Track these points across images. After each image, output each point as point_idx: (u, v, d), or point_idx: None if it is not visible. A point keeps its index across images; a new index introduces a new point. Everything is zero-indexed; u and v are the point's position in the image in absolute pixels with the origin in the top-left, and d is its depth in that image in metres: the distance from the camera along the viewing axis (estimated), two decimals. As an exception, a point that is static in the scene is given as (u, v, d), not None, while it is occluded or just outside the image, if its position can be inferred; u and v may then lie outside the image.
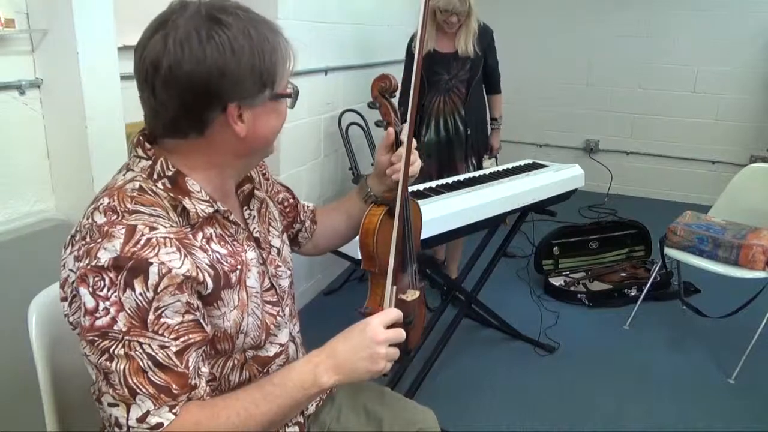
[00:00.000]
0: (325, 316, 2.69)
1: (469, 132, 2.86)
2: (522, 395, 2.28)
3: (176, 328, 0.79)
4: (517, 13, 4.70)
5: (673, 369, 2.48)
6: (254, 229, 0.99)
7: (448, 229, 1.89)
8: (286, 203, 1.19)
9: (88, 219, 0.82)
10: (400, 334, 0.89)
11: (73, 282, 0.80)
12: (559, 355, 2.56)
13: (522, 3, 4.72)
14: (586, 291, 3.06)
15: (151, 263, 0.76)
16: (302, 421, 1.09)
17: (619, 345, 2.66)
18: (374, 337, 0.86)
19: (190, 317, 0.81)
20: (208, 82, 0.80)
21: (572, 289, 3.08)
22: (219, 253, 0.88)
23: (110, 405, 0.78)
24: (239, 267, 0.91)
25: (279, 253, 1.06)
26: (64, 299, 0.84)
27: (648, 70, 4.58)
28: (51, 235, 1.54)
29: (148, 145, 0.88)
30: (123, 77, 1.64)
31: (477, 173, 2.33)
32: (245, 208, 1.00)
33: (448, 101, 2.83)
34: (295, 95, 0.91)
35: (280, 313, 1.01)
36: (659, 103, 4.62)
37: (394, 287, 0.96)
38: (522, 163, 2.47)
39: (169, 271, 0.77)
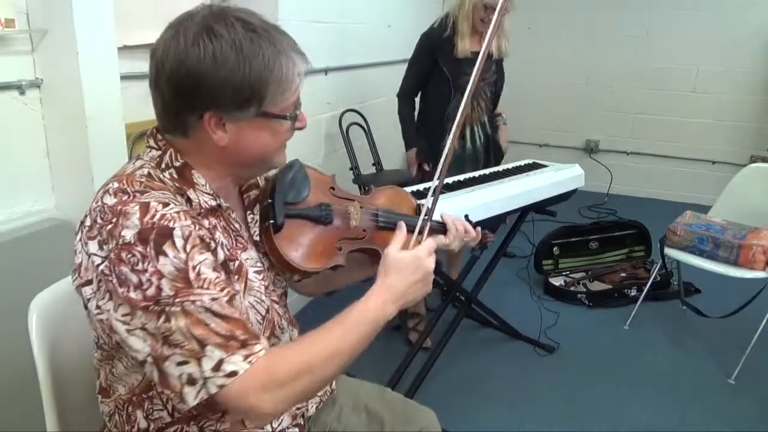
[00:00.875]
0: (325, 316, 2.68)
1: (494, 140, 2.71)
2: (522, 395, 2.28)
3: (216, 281, 0.80)
4: (517, 12, 4.69)
5: (673, 369, 2.48)
6: (255, 232, 1.00)
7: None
8: None
9: (97, 202, 0.84)
10: (432, 244, 1.01)
11: (99, 266, 0.80)
12: (559, 355, 2.56)
13: (521, 3, 4.71)
14: (586, 291, 3.06)
15: (173, 228, 0.78)
16: (302, 422, 1.09)
17: (619, 345, 2.66)
18: (427, 267, 0.97)
19: (222, 273, 0.82)
20: (184, 86, 0.82)
21: (572, 289, 3.08)
22: (222, 241, 0.90)
23: (179, 364, 0.77)
24: (238, 260, 0.92)
25: None
26: (87, 283, 0.83)
27: (648, 70, 4.58)
28: (51, 235, 1.54)
29: (159, 137, 0.90)
30: (123, 77, 1.64)
31: (477, 173, 2.32)
32: (249, 212, 1.01)
33: (476, 107, 2.58)
34: (291, 119, 0.90)
35: (285, 316, 1.02)
36: (659, 103, 4.62)
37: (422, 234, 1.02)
38: (522, 163, 2.46)
39: (191, 232, 0.80)
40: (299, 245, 0.97)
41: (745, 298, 2.52)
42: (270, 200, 0.96)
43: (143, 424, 0.92)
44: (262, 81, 0.83)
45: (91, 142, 1.56)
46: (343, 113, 2.97)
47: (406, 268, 0.95)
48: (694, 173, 4.67)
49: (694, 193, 4.55)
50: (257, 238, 0.99)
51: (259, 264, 0.97)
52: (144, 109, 1.93)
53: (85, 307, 0.86)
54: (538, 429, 2.11)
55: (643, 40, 4.54)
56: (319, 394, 1.13)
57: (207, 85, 0.81)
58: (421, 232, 1.03)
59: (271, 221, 0.95)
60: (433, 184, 1.04)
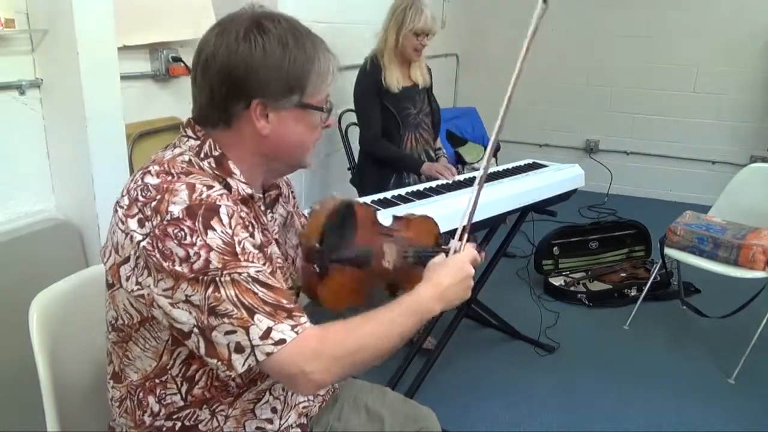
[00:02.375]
0: (325, 316, 2.69)
1: None
2: (522, 395, 2.28)
3: (258, 256, 0.85)
4: (517, 12, 4.69)
5: (673, 369, 2.48)
6: (274, 231, 1.02)
7: (448, 229, 1.88)
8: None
9: (137, 182, 0.86)
10: (471, 251, 1.06)
11: (140, 242, 0.82)
12: (559, 355, 2.55)
13: (521, 2, 4.72)
14: (586, 291, 3.06)
15: (220, 205, 0.83)
16: (305, 422, 1.09)
17: (619, 345, 2.65)
18: (469, 271, 1.02)
19: (260, 252, 0.86)
20: (235, 75, 0.87)
21: (572, 289, 3.08)
22: (256, 228, 0.93)
23: (227, 334, 0.81)
24: (269, 249, 0.95)
25: (294, 262, 1.10)
26: (125, 261, 0.85)
27: (648, 70, 4.58)
28: (51, 235, 1.54)
29: (198, 127, 0.93)
30: (123, 77, 1.64)
31: (477, 173, 2.32)
32: (269, 211, 1.03)
33: (420, 138, 2.60)
34: (327, 112, 0.95)
35: None
36: (659, 103, 4.62)
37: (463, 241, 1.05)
38: (522, 163, 2.47)
39: (234, 211, 0.85)
40: (333, 290, 1.02)
41: (745, 298, 2.52)
42: (318, 245, 1.00)
43: (155, 408, 0.93)
44: (305, 72, 0.90)
45: (91, 142, 1.56)
46: (342, 113, 2.97)
47: (451, 269, 1.01)
48: (694, 173, 4.67)
49: (694, 193, 4.55)
50: (276, 237, 1.02)
51: (280, 260, 1.00)
52: (144, 109, 1.93)
53: (111, 286, 0.89)
54: (537, 429, 2.11)
55: (643, 40, 4.53)
56: (321, 393, 1.14)
57: (256, 72, 0.87)
58: (461, 239, 1.07)
59: (316, 266, 1.00)
60: (472, 195, 1.08)
